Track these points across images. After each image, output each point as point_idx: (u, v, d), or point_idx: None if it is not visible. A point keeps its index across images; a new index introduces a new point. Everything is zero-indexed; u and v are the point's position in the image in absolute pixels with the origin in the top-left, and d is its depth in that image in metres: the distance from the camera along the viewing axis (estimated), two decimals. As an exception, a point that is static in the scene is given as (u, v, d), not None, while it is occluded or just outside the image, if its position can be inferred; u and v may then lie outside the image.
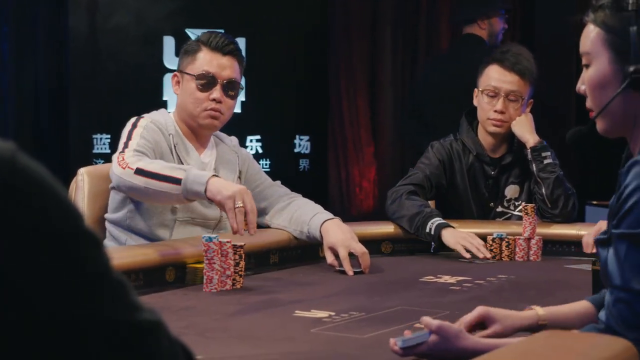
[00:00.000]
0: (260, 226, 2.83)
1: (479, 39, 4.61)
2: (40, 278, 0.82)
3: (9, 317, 0.81)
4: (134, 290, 0.89)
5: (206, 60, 2.86)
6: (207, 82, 2.85)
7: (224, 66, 2.86)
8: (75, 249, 0.85)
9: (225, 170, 2.94)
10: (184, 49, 2.94)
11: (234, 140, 3.09)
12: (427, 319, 1.69)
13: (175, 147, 2.83)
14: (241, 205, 2.46)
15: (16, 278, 0.81)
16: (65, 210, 0.85)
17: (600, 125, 1.71)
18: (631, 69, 1.63)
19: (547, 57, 5.36)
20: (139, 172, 2.60)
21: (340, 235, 2.75)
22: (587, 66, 1.70)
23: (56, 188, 0.85)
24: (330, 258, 2.75)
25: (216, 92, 2.84)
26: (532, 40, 6.95)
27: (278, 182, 3.08)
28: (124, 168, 2.63)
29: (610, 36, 1.66)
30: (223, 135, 3.05)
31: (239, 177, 2.98)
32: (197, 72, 2.85)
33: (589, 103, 1.72)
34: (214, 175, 2.55)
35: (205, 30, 3.01)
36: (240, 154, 3.05)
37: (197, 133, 2.92)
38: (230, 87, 2.87)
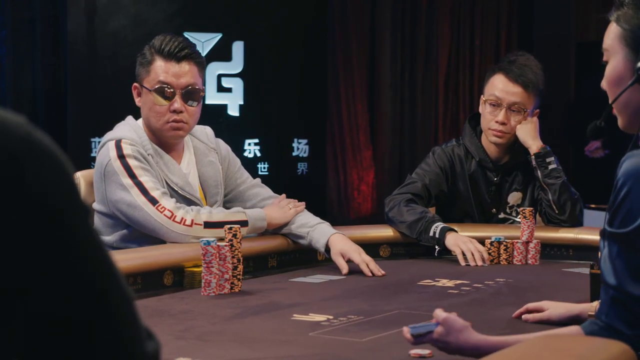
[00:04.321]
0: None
1: None
2: (44, 255, 0.84)
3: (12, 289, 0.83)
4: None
5: (161, 70, 2.77)
6: (165, 93, 2.76)
7: (180, 74, 2.77)
8: (75, 225, 0.87)
9: (210, 174, 2.92)
10: (138, 59, 2.83)
11: (209, 133, 3.00)
12: (438, 311, 1.74)
13: (157, 164, 2.78)
14: None
15: (23, 251, 0.83)
16: (70, 188, 0.88)
17: (619, 121, 1.75)
18: (638, 64, 1.66)
19: (546, 57, 5.41)
20: (209, 225, 2.70)
21: (350, 245, 2.86)
22: (607, 63, 1.74)
23: (66, 165, 0.87)
24: (341, 262, 2.81)
25: (176, 103, 2.76)
26: (531, 40, 6.97)
27: (258, 181, 3.07)
28: (187, 225, 2.67)
29: (627, 33, 1.70)
30: (195, 129, 2.95)
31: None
32: (154, 85, 2.77)
33: (610, 99, 1.76)
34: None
35: (161, 36, 2.84)
36: (220, 150, 2.99)
37: (167, 142, 2.86)
38: (189, 96, 2.79)
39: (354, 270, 2.80)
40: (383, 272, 2.77)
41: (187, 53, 2.79)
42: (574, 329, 1.66)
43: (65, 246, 0.85)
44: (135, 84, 2.85)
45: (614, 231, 1.52)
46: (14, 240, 0.82)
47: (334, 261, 2.84)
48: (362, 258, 2.80)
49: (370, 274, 2.76)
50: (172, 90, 2.77)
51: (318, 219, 2.95)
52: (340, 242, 2.85)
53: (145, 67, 2.81)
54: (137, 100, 2.86)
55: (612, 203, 1.52)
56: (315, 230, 2.89)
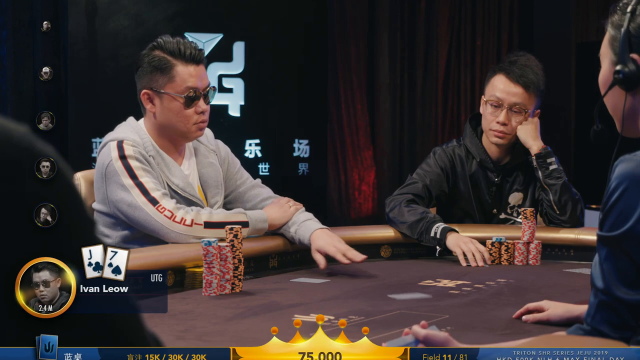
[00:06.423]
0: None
1: None
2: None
3: None
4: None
5: (187, 76, 2.78)
6: (194, 98, 2.79)
7: (202, 76, 2.81)
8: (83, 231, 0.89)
9: (210, 174, 2.92)
10: (151, 64, 2.78)
11: (209, 135, 3.02)
12: (415, 328, 1.67)
13: (157, 165, 2.79)
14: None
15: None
16: (75, 196, 0.89)
17: (616, 125, 1.75)
18: (617, 68, 1.66)
19: (546, 57, 5.40)
20: (209, 225, 2.71)
21: (327, 239, 2.82)
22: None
23: (68, 175, 0.89)
24: (318, 258, 2.80)
25: (202, 105, 2.80)
26: (532, 40, 6.96)
27: (259, 181, 3.08)
28: (187, 225, 2.68)
29: (612, 38, 1.71)
30: None
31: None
32: (183, 91, 2.78)
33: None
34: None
35: (167, 38, 2.83)
36: (219, 152, 3.01)
37: (177, 143, 2.87)
38: (209, 94, 2.84)
39: (355, 270, 2.80)
40: (363, 256, 2.76)
41: (203, 55, 2.83)
42: (560, 334, 1.66)
43: (67, 255, 0.85)
44: (146, 91, 2.80)
45: (603, 234, 1.52)
46: (16, 241, 0.82)
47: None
48: (337, 248, 2.77)
49: (347, 262, 2.75)
50: (199, 93, 2.80)
51: (307, 216, 2.93)
52: (319, 238, 2.82)
53: (164, 73, 2.78)
54: (149, 107, 2.81)
55: (604, 206, 1.53)
56: (301, 227, 2.88)
